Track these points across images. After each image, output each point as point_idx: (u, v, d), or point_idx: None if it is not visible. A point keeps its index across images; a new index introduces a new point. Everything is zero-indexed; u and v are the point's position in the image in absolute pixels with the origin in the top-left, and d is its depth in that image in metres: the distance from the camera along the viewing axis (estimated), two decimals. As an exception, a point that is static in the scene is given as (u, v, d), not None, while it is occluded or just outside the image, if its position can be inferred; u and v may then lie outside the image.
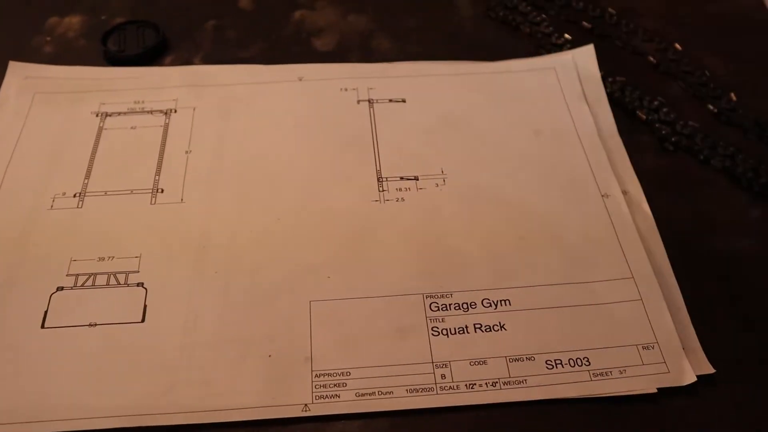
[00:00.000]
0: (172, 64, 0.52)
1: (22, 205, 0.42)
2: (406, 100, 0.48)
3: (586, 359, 0.35)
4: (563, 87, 0.49)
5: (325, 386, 0.34)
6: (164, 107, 0.47)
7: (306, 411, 0.33)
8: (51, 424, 0.33)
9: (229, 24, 0.55)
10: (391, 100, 0.48)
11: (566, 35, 0.54)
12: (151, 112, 0.47)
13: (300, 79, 0.49)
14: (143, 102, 0.47)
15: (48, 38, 0.54)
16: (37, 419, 0.33)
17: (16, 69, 0.50)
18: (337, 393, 0.34)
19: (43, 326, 0.36)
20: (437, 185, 0.43)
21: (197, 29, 0.55)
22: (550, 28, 0.55)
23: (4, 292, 0.38)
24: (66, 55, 0.52)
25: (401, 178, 0.43)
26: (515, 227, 0.41)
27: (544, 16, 0.56)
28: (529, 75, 0.50)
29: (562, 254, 0.39)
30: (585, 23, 0.56)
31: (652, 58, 0.53)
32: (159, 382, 0.34)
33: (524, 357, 0.35)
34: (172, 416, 0.33)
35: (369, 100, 0.48)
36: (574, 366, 0.35)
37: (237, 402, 0.34)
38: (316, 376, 0.35)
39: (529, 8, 0.56)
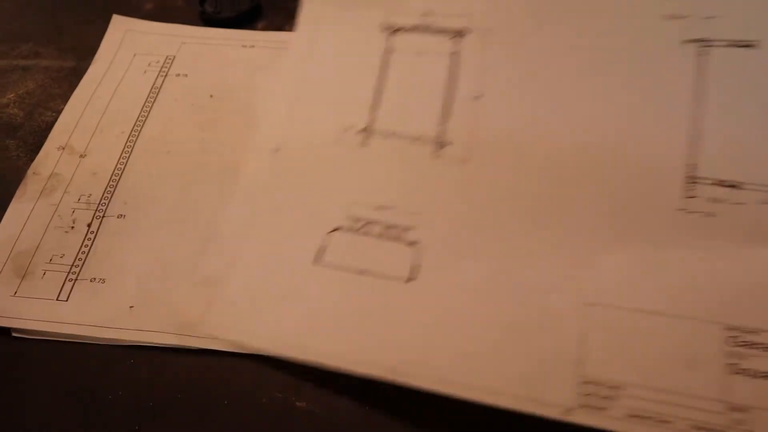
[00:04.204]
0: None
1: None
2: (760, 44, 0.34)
3: None
4: None
5: (591, 395, 0.31)
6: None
7: (567, 415, 0.30)
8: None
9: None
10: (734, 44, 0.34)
11: None
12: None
13: None
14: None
15: (149, -4, 0.56)
16: (298, 354, 0.33)
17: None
18: (605, 406, 0.30)
19: (314, 263, 0.36)
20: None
21: (291, -1, 0.55)
22: None
23: (284, 220, 0.38)
24: (163, 14, 0.54)
25: (720, 183, 0.35)
26: None
27: None
28: None
29: None
30: None
31: None
32: (416, 343, 0.33)
33: None
34: (425, 379, 0.32)
35: (701, 41, 0.35)
36: None
37: (493, 385, 0.31)
38: (583, 382, 0.31)
39: None
